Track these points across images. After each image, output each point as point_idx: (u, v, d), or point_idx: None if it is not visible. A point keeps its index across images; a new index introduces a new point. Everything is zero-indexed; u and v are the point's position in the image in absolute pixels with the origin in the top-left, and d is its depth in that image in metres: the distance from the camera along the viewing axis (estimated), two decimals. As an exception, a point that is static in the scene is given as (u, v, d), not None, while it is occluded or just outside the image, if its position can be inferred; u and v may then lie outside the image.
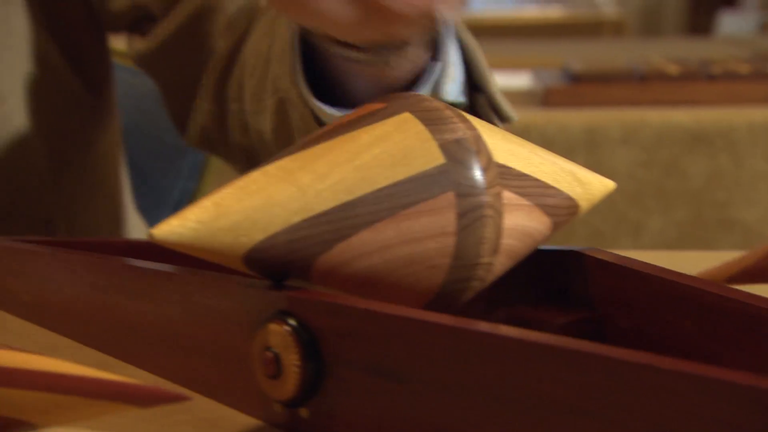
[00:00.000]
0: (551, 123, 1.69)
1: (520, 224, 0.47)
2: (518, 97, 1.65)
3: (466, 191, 0.44)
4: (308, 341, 0.42)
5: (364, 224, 0.44)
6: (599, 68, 1.89)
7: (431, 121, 0.47)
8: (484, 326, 0.38)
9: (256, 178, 0.44)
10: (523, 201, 0.47)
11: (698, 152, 1.66)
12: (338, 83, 0.70)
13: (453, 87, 0.72)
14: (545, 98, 1.80)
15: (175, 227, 0.42)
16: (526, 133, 1.65)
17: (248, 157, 0.82)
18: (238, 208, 0.42)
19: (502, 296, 0.50)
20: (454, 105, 0.60)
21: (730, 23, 3.66)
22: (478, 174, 0.45)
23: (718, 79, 1.74)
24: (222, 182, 1.47)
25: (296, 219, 0.43)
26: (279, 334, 0.42)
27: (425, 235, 0.44)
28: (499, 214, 0.45)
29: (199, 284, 0.49)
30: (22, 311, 0.59)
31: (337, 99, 0.69)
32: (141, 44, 0.87)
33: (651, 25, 4.48)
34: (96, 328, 0.55)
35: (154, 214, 1.11)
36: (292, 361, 0.42)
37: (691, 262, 0.64)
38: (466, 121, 0.48)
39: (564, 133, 1.69)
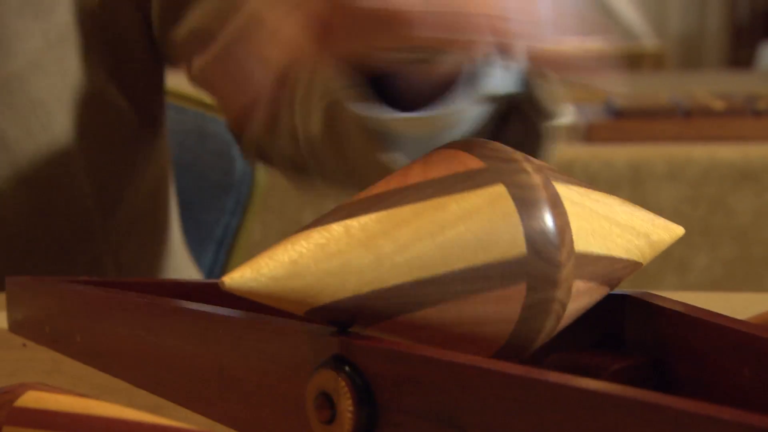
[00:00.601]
0: (595, 159, 1.67)
1: (582, 306, 0.47)
2: (560, 132, 1.64)
3: (539, 285, 0.44)
4: (362, 387, 0.42)
5: (431, 303, 0.43)
6: (643, 103, 1.85)
7: (523, 201, 0.45)
8: (551, 376, 0.38)
9: (339, 236, 0.44)
10: (592, 284, 0.47)
11: (745, 189, 1.63)
12: (384, 78, 0.70)
13: (504, 78, 0.73)
14: (588, 133, 1.78)
15: (248, 279, 0.41)
16: (570, 168, 1.64)
17: (297, 168, 0.84)
18: (314, 270, 0.42)
19: (554, 341, 0.50)
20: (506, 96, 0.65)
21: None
22: (554, 271, 0.44)
23: (764, 115, 1.71)
24: (265, 220, 1.48)
25: (366, 289, 0.43)
26: (333, 379, 0.42)
27: (487, 320, 0.44)
28: (563, 307, 0.45)
29: (254, 328, 0.49)
30: (76, 353, 0.59)
31: (384, 91, 0.70)
32: (199, 61, 0.87)
33: (691, 57, 4.46)
34: (149, 371, 0.55)
35: (198, 249, 1.12)
36: (345, 406, 0.42)
37: (742, 304, 0.64)
38: (557, 205, 0.46)
39: (608, 169, 1.67)
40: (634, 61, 4.01)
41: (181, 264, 1.03)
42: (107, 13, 0.88)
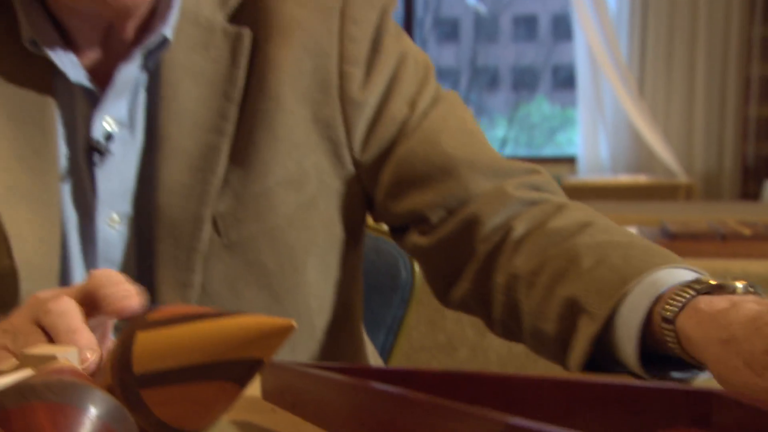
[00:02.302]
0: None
1: None
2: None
3: None
4: None
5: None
6: (689, 228, 1.85)
7: None
8: None
9: None
10: None
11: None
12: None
13: None
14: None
15: None
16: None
17: (509, 332, 0.80)
18: None
19: (654, 422, 0.49)
20: None
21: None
22: None
23: None
24: (419, 310, 1.45)
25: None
26: None
27: None
28: None
29: (446, 414, 0.46)
30: (311, 416, 0.59)
31: None
32: (418, 239, 0.86)
33: (712, 190, 4.36)
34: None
35: (373, 332, 1.13)
36: None
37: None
38: None
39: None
40: (670, 192, 3.94)
41: (365, 344, 1.02)
42: (343, 189, 0.88)
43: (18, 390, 0.42)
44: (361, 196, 0.90)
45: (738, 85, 4.27)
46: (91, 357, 0.51)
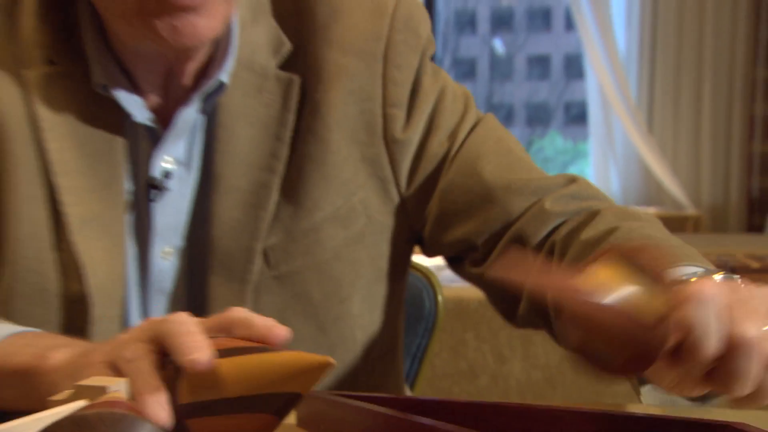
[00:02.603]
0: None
1: None
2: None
3: None
4: None
5: None
6: None
7: None
8: None
9: None
10: None
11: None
12: None
13: None
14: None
15: None
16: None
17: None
18: None
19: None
20: None
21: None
22: None
23: None
24: (441, 339, 1.43)
25: None
26: None
27: None
28: None
29: None
30: None
31: None
32: (473, 270, 0.85)
33: (720, 222, 4.31)
34: None
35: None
36: None
37: None
38: None
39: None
40: (679, 224, 3.92)
41: (402, 374, 1.01)
42: (391, 224, 0.87)
43: (72, 421, 0.42)
44: (408, 231, 0.89)
45: (742, 122, 4.26)
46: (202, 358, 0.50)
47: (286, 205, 0.83)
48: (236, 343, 0.52)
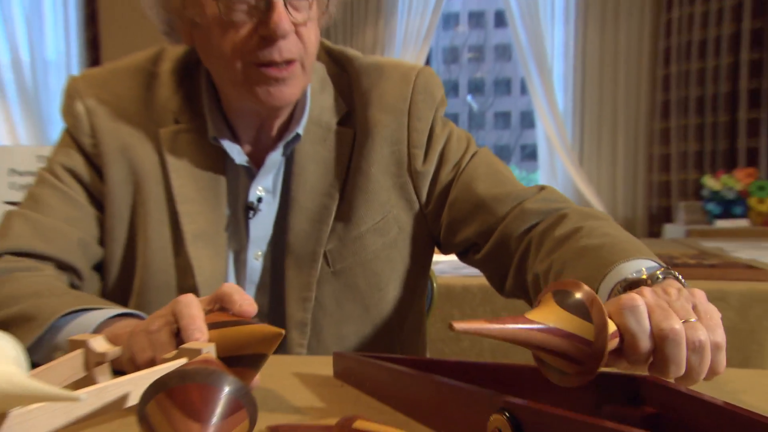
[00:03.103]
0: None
1: None
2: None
3: None
4: (516, 424, 0.40)
5: None
6: None
7: None
8: (609, 424, 0.36)
9: None
10: None
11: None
12: None
13: None
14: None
15: (469, 325, 0.40)
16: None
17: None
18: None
19: (603, 399, 0.47)
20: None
21: (671, 231, 3.48)
22: None
23: (715, 266, 1.48)
24: (437, 314, 1.39)
25: None
26: (501, 420, 0.41)
27: None
28: None
29: (460, 392, 0.46)
30: (369, 391, 0.58)
31: None
32: (475, 257, 0.84)
33: (629, 229, 4.25)
34: (403, 403, 0.53)
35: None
36: None
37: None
38: None
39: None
40: None
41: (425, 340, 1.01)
42: (416, 232, 0.87)
43: (179, 374, 0.42)
44: (428, 237, 0.88)
45: (645, 159, 4.24)
46: (200, 336, 0.51)
47: (340, 220, 0.83)
48: (223, 318, 0.53)
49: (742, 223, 3.27)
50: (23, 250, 0.77)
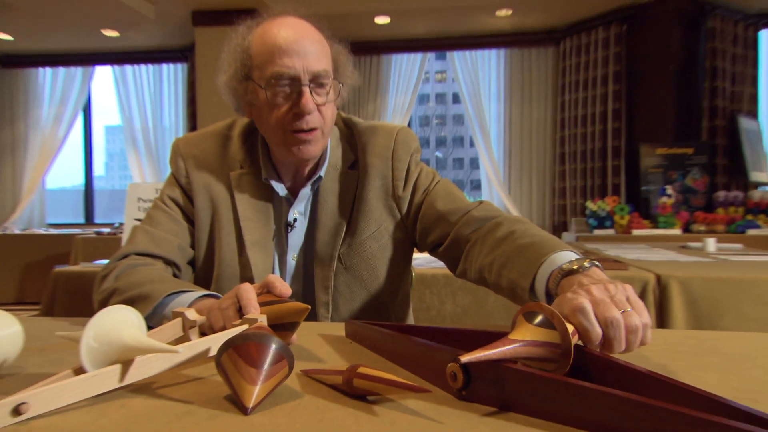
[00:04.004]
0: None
1: None
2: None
3: None
4: (465, 370, 0.39)
5: None
6: None
7: None
8: (528, 369, 0.34)
9: None
10: None
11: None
12: None
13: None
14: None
15: (473, 355, 0.37)
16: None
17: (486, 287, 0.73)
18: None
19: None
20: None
21: (566, 237, 3.46)
22: None
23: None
24: (415, 294, 1.34)
25: None
26: (455, 366, 0.40)
27: None
28: None
29: (436, 351, 0.44)
30: (369, 347, 0.56)
31: None
32: (438, 251, 0.80)
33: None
34: (392, 356, 0.51)
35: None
36: (460, 377, 0.39)
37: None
38: None
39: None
40: None
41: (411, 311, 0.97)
42: (400, 238, 0.83)
43: (242, 336, 0.41)
44: (408, 241, 0.85)
45: (550, 191, 4.25)
46: (254, 311, 0.51)
47: (348, 232, 0.81)
48: (269, 298, 0.53)
49: (610, 232, 3.27)
50: (142, 252, 0.76)
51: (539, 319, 0.41)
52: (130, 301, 0.65)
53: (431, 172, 0.87)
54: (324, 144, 0.79)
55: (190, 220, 0.82)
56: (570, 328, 0.42)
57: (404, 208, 0.83)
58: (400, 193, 0.83)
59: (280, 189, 0.81)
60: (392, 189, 0.83)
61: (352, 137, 0.86)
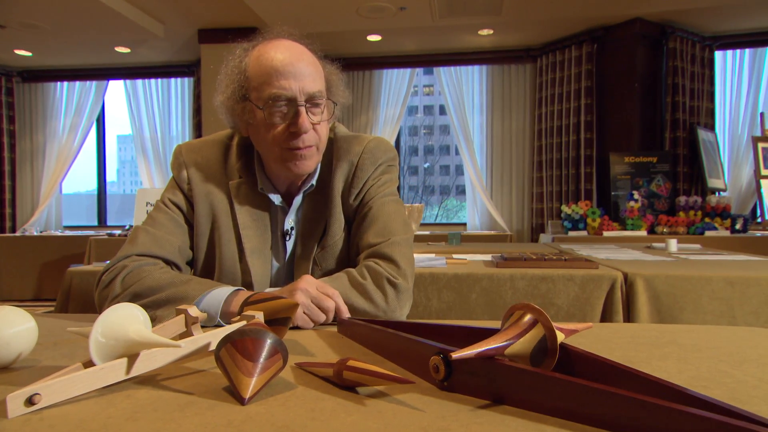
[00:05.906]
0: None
1: None
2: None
3: None
4: (447, 362, 0.39)
5: None
6: (514, 255, 1.39)
7: None
8: (506, 361, 0.34)
9: None
10: None
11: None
12: None
13: None
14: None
15: (464, 352, 0.36)
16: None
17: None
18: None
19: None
20: None
21: (544, 238, 3.48)
22: None
23: (568, 261, 1.28)
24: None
25: None
26: (437, 359, 0.40)
27: None
28: None
29: (420, 345, 0.43)
30: (360, 341, 0.55)
31: None
32: (364, 253, 0.77)
33: (520, 238, 4.25)
34: (380, 349, 0.51)
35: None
36: (442, 369, 0.39)
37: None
38: None
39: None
40: (503, 238, 3.73)
41: None
42: (348, 227, 0.81)
43: (239, 331, 0.41)
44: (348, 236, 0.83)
45: (529, 196, 4.27)
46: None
47: (324, 237, 0.80)
48: (264, 296, 0.54)
49: (583, 233, 3.30)
50: (144, 253, 0.75)
51: (527, 318, 0.41)
52: (158, 304, 0.65)
53: (390, 193, 0.83)
54: (318, 159, 0.79)
55: (190, 223, 0.81)
56: (560, 335, 0.41)
57: (350, 215, 0.82)
58: (350, 201, 0.81)
59: (276, 199, 0.80)
60: (348, 194, 0.81)
61: (332, 144, 0.85)
